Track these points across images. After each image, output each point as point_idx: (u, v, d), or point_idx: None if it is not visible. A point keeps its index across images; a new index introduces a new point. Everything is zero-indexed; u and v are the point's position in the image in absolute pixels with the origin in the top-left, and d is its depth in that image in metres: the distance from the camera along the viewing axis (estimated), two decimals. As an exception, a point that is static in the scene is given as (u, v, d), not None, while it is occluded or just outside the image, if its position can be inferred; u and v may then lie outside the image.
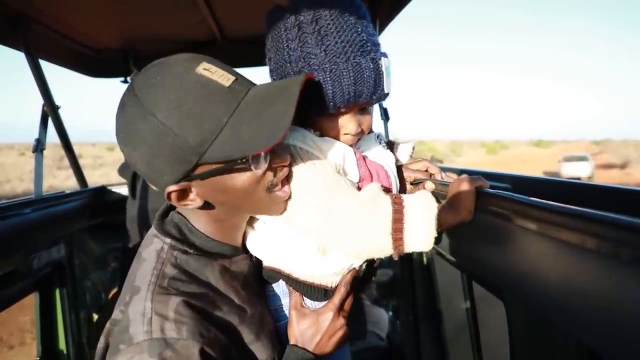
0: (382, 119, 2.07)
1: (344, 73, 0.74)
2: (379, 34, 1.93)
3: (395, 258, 0.75)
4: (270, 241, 0.84)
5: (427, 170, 0.95)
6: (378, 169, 0.86)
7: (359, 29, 0.76)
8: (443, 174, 0.94)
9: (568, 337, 0.65)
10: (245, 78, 0.72)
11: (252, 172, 0.70)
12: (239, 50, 2.25)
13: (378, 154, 0.90)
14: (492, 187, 0.77)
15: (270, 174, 0.73)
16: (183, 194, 0.71)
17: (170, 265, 0.73)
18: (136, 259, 0.77)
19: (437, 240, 0.74)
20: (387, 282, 2.77)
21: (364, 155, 0.87)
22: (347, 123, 0.81)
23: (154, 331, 0.64)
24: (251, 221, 0.85)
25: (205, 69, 0.67)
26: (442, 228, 0.74)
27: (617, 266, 0.46)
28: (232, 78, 0.68)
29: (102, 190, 2.33)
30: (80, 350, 1.97)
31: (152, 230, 0.79)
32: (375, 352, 2.28)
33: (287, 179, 0.77)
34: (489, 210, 0.71)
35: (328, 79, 0.74)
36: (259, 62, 2.11)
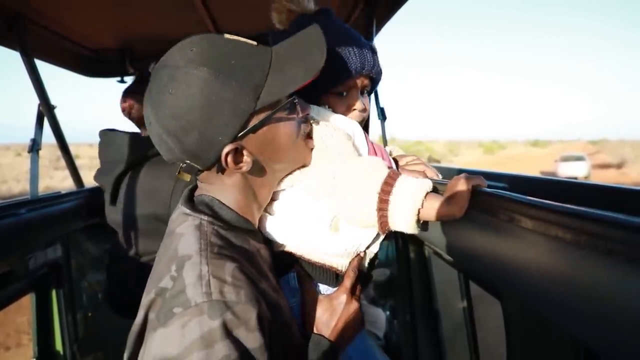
0: (379, 118, 2.04)
1: (349, 49, 0.89)
2: (376, 34, 1.93)
3: (382, 231, 0.78)
4: (285, 220, 0.86)
5: (423, 172, 0.97)
6: (382, 152, 0.94)
7: (351, 30, 0.94)
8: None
9: (565, 335, 0.65)
10: None
11: (294, 118, 0.77)
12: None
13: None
14: (489, 186, 0.77)
15: (303, 122, 0.80)
16: (236, 156, 0.73)
17: (214, 237, 0.72)
18: (168, 236, 0.75)
19: (424, 227, 0.77)
20: (384, 282, 2.78)
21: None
22: (353, 101, 0.94)
23: (213, 293, 0.61)
24: (268, 207, 0.86)
25: (230, 36, 0.74)
26: (433, 216, 0.76)
27: (613, 264, 0.46)
28: (254, 41, 0.75)
29: (99, 191, 2.30)
30: (77, 351, 1.96)
31: (181, 210, 0.78)
32: (373, 351, 2.28)
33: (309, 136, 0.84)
34: (486, 209, 0.72)
35: (337, 54, 0.88)
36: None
